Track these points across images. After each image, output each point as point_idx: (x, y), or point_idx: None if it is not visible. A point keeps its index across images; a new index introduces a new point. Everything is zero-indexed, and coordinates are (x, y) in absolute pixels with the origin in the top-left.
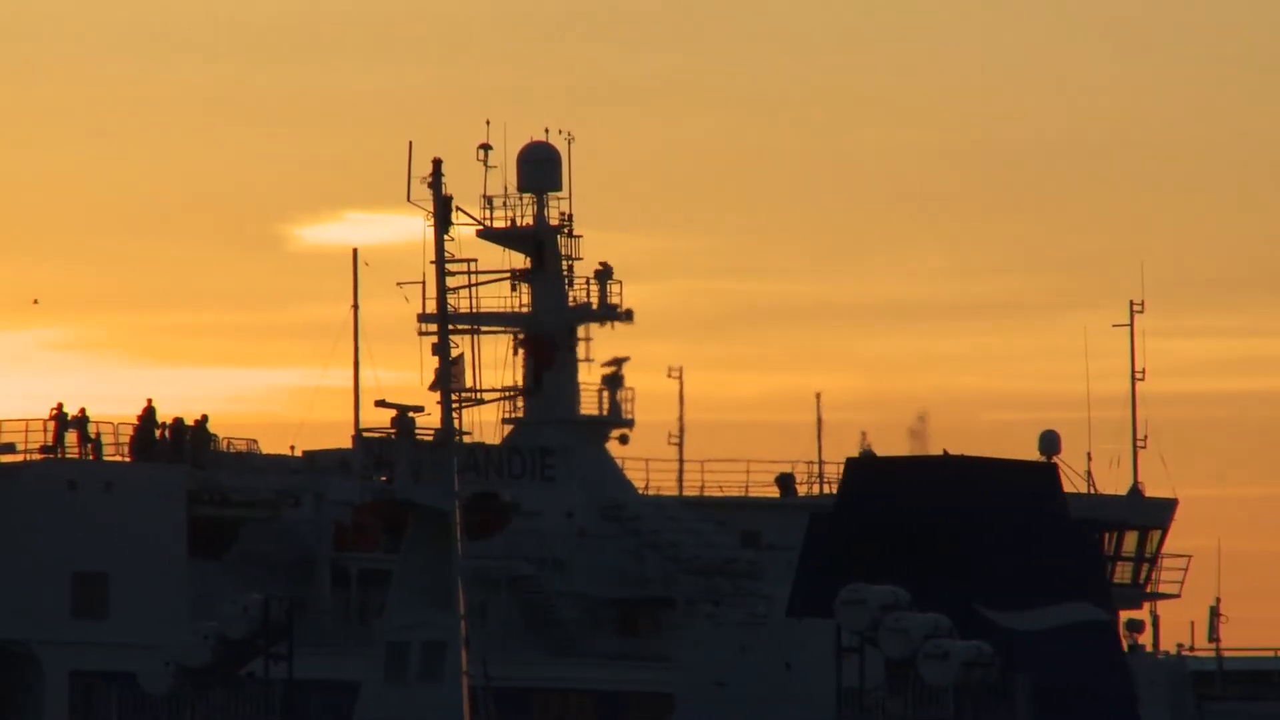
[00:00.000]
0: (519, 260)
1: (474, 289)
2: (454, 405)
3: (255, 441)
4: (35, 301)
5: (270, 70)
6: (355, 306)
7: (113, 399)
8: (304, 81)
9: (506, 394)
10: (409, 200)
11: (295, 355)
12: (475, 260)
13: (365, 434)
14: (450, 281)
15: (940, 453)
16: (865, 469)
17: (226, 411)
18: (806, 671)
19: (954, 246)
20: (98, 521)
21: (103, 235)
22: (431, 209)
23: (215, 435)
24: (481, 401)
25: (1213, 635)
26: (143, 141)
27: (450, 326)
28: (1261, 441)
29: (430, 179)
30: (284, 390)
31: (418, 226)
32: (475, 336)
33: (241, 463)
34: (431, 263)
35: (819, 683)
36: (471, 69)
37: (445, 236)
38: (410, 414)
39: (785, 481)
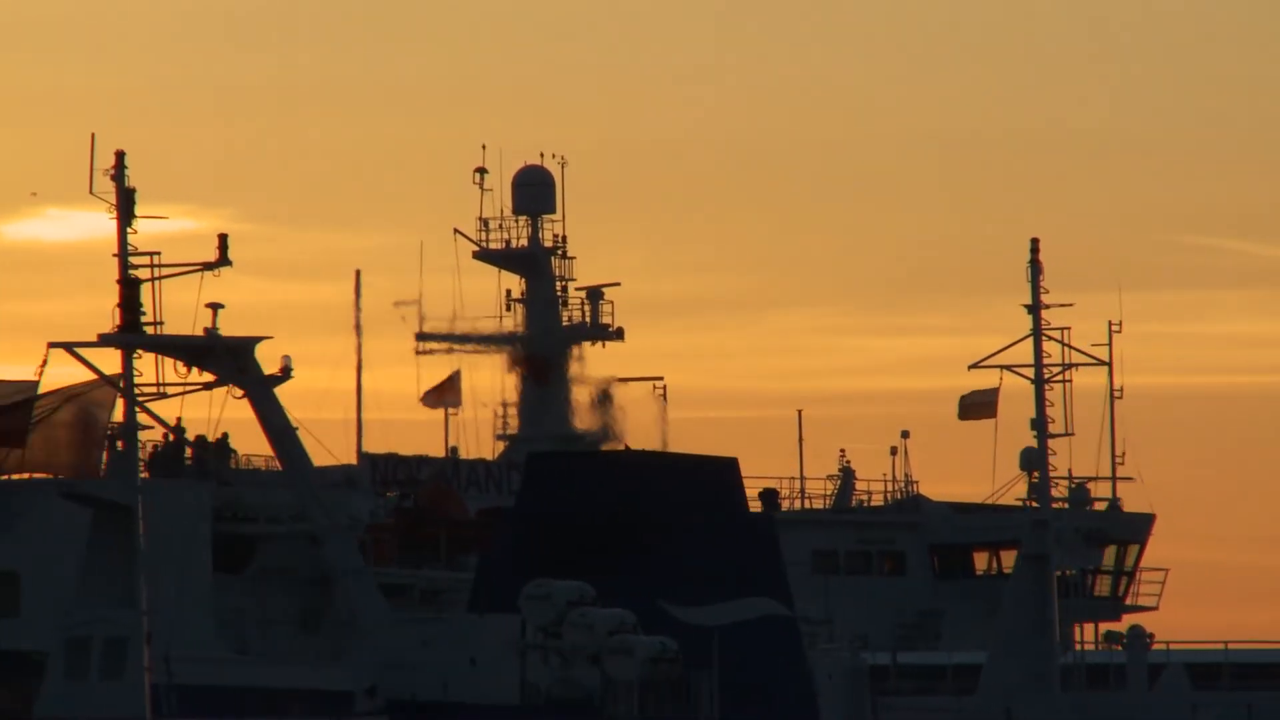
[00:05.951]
0: (512, 281)
1: (158, 283)
2: (138, 401)
3: (273, 458)
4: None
5: None
6: (357, 326)
7: None
8: (7, 77)
9: (191, 388)
10: (91, 193)
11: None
12: (160, 253)
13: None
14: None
15: (623, 448)
16: (547, 465)
17: None
18: (490, 666)
19: (650, 243)
20: None
21: None
22: (115, 201)
23: (235, 451)
24: (165, 395)
25: None
26: None
27: (448, 346)
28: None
29: (114, 171)
30: None
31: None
32: (158, 326)
33: (260, 479)
34: (114, 255)
35: (503, 678)
36: (168, 65)
37: (129, 229)
38: None
39: (769, 497)
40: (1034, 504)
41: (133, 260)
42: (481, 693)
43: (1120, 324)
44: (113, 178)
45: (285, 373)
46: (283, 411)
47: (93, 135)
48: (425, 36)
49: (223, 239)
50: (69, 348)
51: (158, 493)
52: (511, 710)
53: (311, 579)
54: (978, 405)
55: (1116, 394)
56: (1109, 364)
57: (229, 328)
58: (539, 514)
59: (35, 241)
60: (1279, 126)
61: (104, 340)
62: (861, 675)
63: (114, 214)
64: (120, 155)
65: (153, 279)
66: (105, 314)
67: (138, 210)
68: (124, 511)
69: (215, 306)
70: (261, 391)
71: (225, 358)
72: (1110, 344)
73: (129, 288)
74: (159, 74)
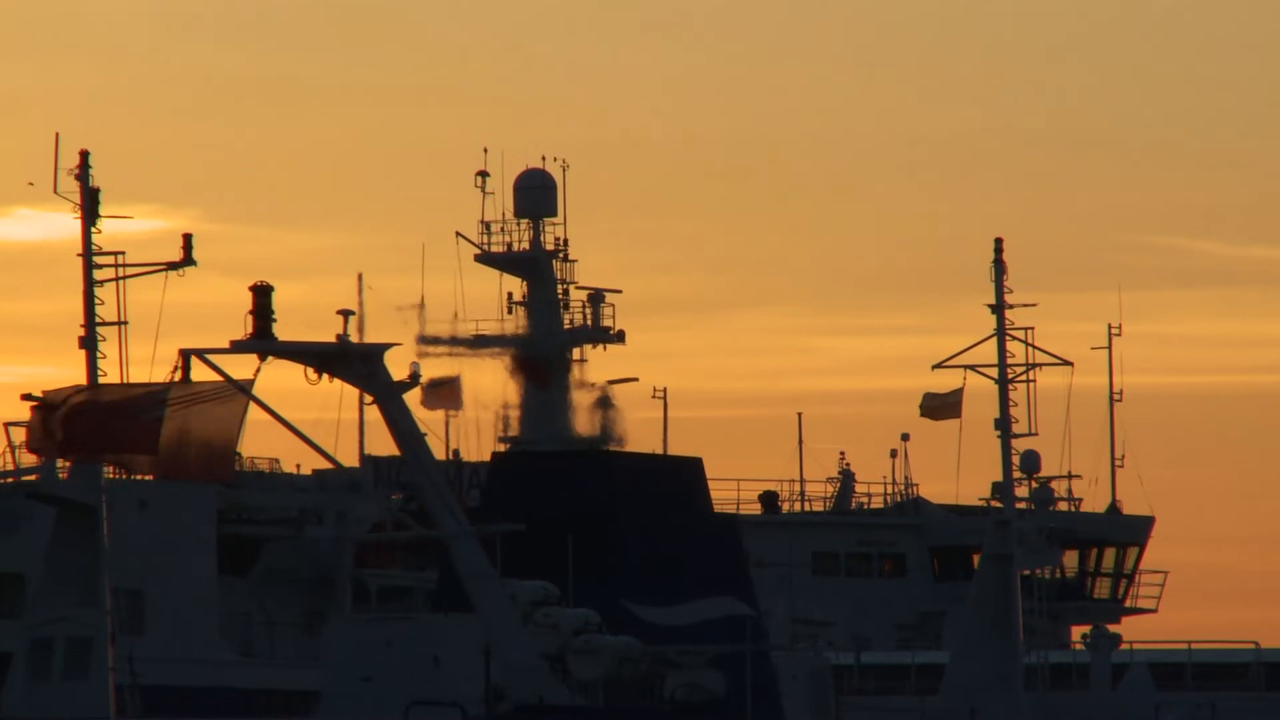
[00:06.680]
0: (514, 284)
1: (122, 282)
2: None
3: (277, 461)
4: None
5: None
6: (360, 327)
7: None
8: None
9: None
10: (56, 192)
11: None
12: (124, 253)
13: None
14: (99, 274)
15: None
16: (511, 464)
17: None
18: (455, 667)
19: (649, 243)
20: (133, 540)
21: None
22: (79, 201)
23: (240, 454)
24: None
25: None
26: None
27: (449, 350)
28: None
29: (78, 170)
30: None
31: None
32: (122, 327)
33: (264, 481)
34: (78, 255)
35: (467, 678)
36: (131, 68)
37: (93, 229)
38: None
39: (769, 499)
40: (996, 504)
41: (97, 260)
42: None
43: (1120, 326)
44: (77, 177)
45: (414, 379)
46: (411, 417)
47: (56, 135)
48: (426, 36)
49: (187, 239)
50: (201, 355)
51: (163, 494)
52: (632, 713)
53: (314, 580)
54: (942, 406)
55: (1116, 396)
56: (1107, 366)
57: (228, 327)
58: (504, 514)
59: (5, 242)
60: (1259, 129)
61: (237, 347)
62: (825, 675)
63: (78, 214)
64: (84, 155)
65: (117, 279)
66: (73, 315)
67: (106, 210)
68: (88, 511)
69: (346, 313)
70: (390, 397)
71: (356, 363)
72: (1110, 346)
73: (260, 295)
74: (153, 74)
